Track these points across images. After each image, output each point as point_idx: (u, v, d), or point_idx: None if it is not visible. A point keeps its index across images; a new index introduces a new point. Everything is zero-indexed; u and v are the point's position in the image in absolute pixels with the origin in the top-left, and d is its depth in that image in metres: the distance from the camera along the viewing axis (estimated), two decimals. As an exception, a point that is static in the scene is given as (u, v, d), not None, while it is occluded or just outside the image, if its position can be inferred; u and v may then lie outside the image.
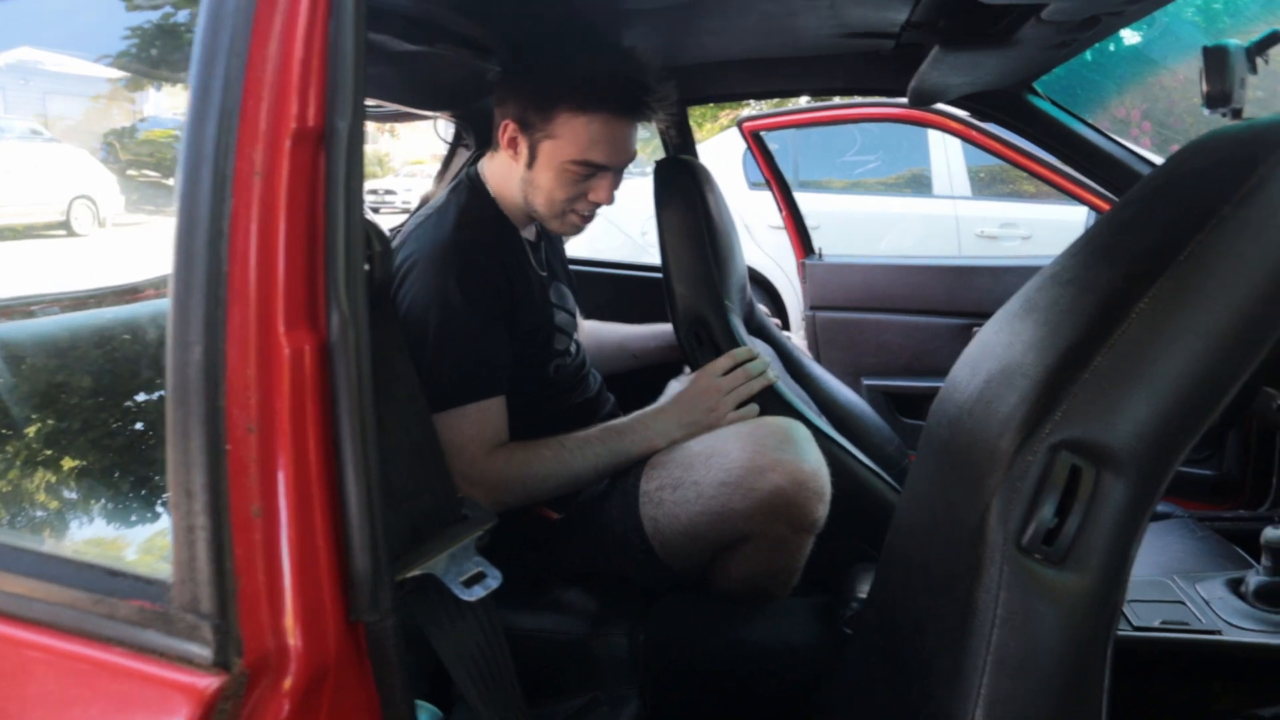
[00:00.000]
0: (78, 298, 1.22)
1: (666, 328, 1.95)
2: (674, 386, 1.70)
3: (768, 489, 1.43)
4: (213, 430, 0.56)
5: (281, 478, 0.58)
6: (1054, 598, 0.76)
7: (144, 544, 0.67)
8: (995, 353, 0.95)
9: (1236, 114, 1.27)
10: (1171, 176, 0.89)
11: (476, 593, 0.67)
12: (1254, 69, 1.28)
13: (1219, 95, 1.24)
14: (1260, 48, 1.30)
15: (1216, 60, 1.24)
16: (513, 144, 1.59)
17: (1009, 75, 1.78)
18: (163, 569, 0.57)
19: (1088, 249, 0.93)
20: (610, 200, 1.61)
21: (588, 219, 1.65)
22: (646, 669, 1.49)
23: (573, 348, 1.79)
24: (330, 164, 0.62)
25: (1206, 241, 0.74)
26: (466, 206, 1.64)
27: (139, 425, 0.71)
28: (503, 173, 1.65)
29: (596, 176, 1.58)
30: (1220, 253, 0.74)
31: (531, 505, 1.59)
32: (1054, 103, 1.96)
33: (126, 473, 0.72)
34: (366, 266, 0.64)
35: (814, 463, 1.47)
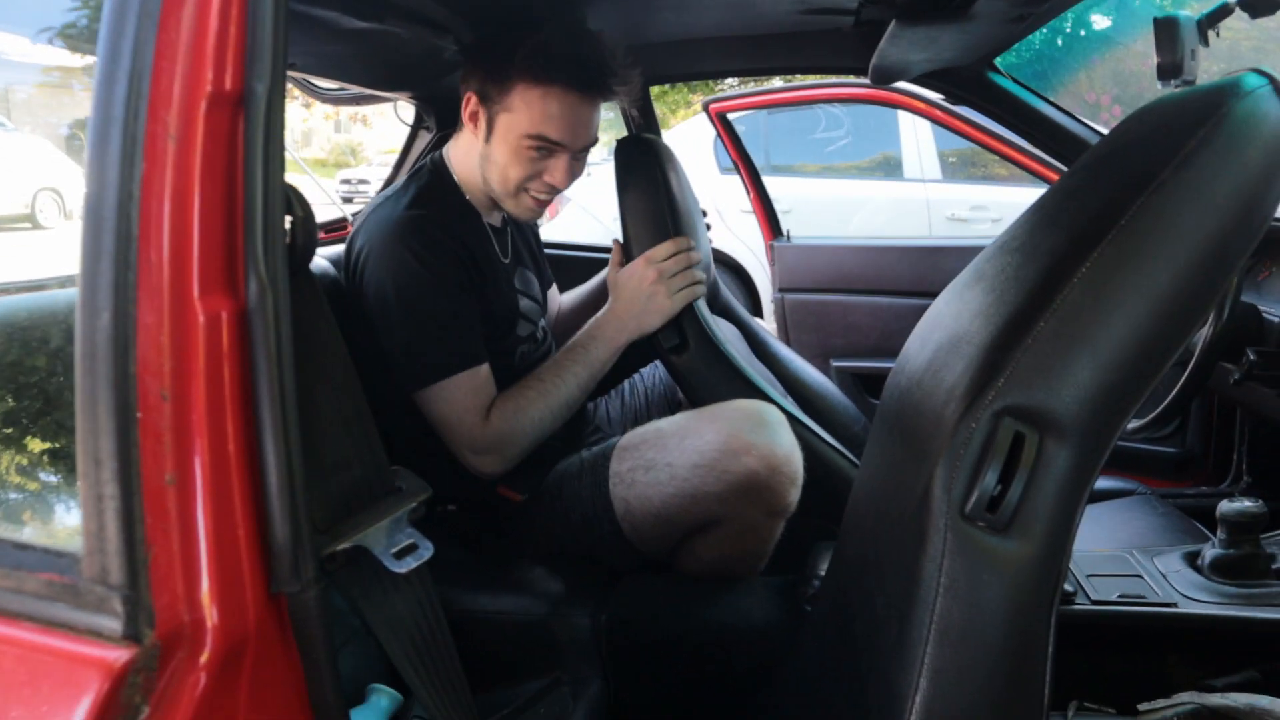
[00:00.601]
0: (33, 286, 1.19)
1: (600, 275, 1.95)
2: (609, 274, 1.70)
3: (742, 472, 1.43)
4: (122, 396, 0.55)
5: (198, 445, 0.56)
6: (997, 566, 0.76)
7: (57, 517, 0.65)
8: (944, 323, 0.94)
9: (1188, 85, 1.27)
10: (1116, 143, 0.89)
11: (408, 564, 0.66)
12: (1205, 41, 1.28)
13: (1170, 67, 1.24)
14: (1212, 20, 1.30)
15: (1167, 31, 1.23)
16: (474, 118, 1.57)
17: (969, 51, 1.78)
18: (73, 541, 0.55)
19: (1036, 217, 0.92)
20: (565, 184, 1.58)
21: (543, 203, 1.62)
22: (609, 649, 1.48)
23: (539, 334, 1.78)
24: (249, 127, 0.60)
25: (1147, 205, 0.74)
26: (426, 187, 1.63)
27: (53, 398, 0.69)
28: (465, 151, 1.63)
29: (552, 157, 1.55)
30: (1160, 216, 0.73)
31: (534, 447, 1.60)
32: (1015, 80, 1.96)
33: (43, 446, 0.71)
34: (288, 234, 0.63)
35: (788, 447, 1.47)
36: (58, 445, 0.67)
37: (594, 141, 1.60)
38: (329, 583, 0.63)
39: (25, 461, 0.71)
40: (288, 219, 0.63)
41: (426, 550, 0.67)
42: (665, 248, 1.63)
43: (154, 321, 0.56)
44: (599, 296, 1.97)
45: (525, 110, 1.51)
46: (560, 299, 2.06)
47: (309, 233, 0.64)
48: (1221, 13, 1.31)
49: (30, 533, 0.65)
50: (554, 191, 1.60)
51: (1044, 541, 0.75)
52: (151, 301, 0.56)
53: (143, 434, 0.55)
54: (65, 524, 0.61)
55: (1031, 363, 0.75)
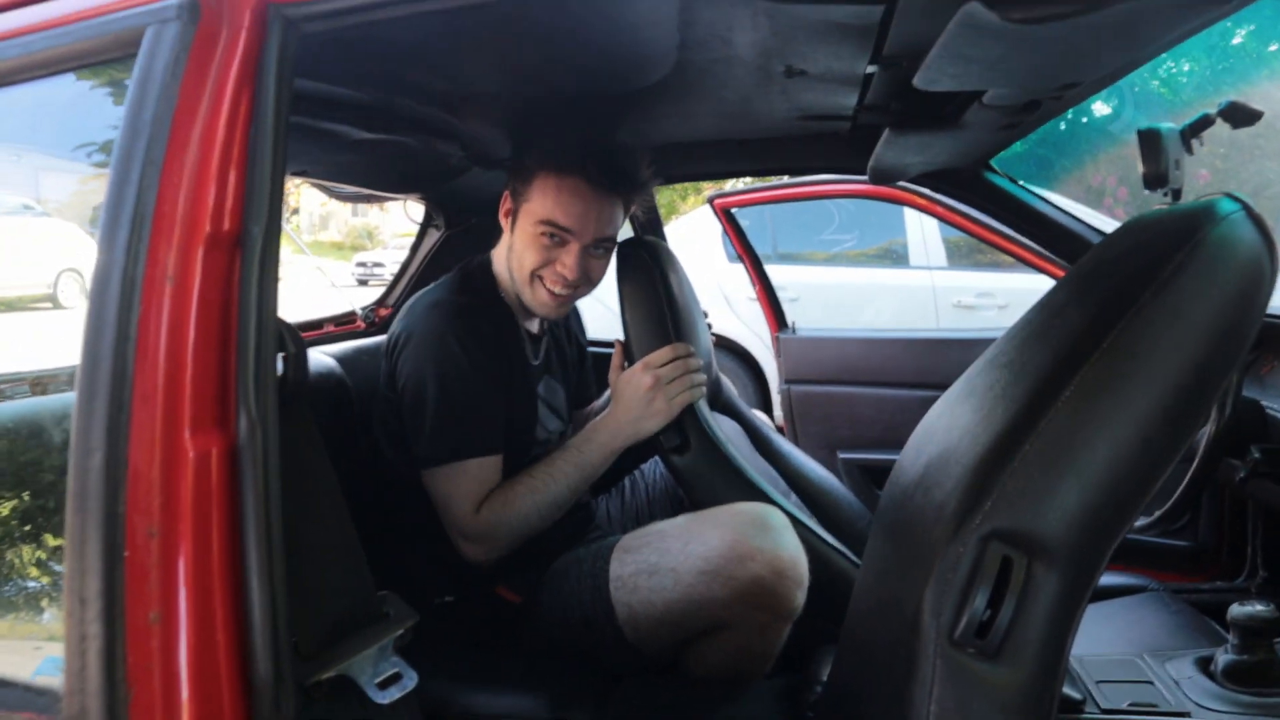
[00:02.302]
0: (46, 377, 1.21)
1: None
2: (610, 376, 1.73)
3: (748, 578, 1.42)
4: (110, 536, 0.56)
5: (183, 583, 0.57)
6: (988, 693, 0.75)
7: (41, 653, 0.65)
8: (936, 437, 0.95)
9: (1176, 195, 1.29)
10: (1100, 261, 0.91)
11: (391, 695, 0.66)
12: (1189, 150, 1.31)
13: (1155, 177, 1.27)
14: (1194, 130, 1.33)
15: (1150, 143, 1.26)
16: (507, 215, 1.67)
17: (963, 155, 1.82)
18: (55, 679, 0.56)
19: (1024, 332, 0.94)
20: (574, 274, 1.61)
21: (559, 297, 1.64)
22: None
23: (555, 442, 1.79)
24: (244, 268, 0.63)
25: (1128, 328, 0.75)
26: (470, 281, 1.71)
27: (45, 530, 0.70)
28: (500, 252, 1.71)
29: (564, 246, 1.60)
30: (1141, 339, 0.74)
31: (522, 541, 1.60)
32: (1011, 179, 2.00)
33: (32, 579, 0.72)
34: (280, 369, 0.65)
35: (793, 550, 1.47)
36: (47, 580, 0.68)
37: (609, 238, 1.65)
38: (312, 716, 0.63)
39: (12, 596, 0.71)
40: (280, 356, 0.64)
41: (411, 680, 0.67)
42: (663, 354, 1.65)
43: (145, 460, 0.57)
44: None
45: (540, 199, 1.59)
46: (592, 409, 2.08)
47: (300, 368, 0.65)
48: (1202, 124, 1.35)
49: (11, 670, 0.65)
50: (567, 284, 1.62)
51: (1035, 666, 0.74)
52: (143, 440, 0.58)
53: (129, 572, 0.56)
54: (47, 661, 0.62)
55: (1017, 486, 0.75)
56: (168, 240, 0.62)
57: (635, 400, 1.64)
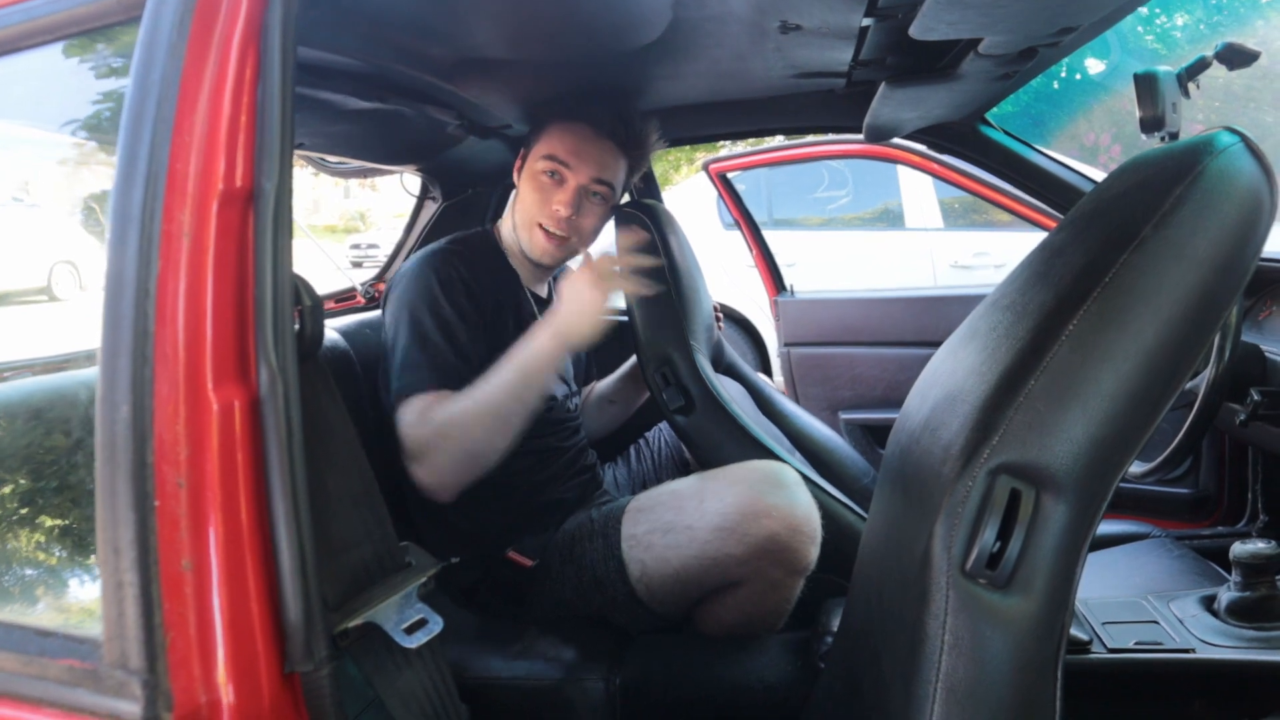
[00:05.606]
0: (50, 363, 1.22)
1: (629, 360, 1.97)
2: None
3: (762, 535, 1.44)
4: (140, 486, 0.57)
5: (213, 531, 0.58)
6: (1000, 622, 0.76)
7: (78, 603, 0.67)
8: (941, 380, 0.96)
9: (1173, 137, 1.30)
10: (1100, 200, 0.91)
11: (418, 639, 0.67)
12: (1186, 93, 1.31)
13: (1152, 120, 1.27)
14: (1191, 73, 1.34)
15: (1147, 87, 1.27)
16: (517, 170, 1.71)
17: (959, 108, 1.82)
18: (94, 627, 0.57)
19: (1025, 273, 0.94)
20: (568, 208, 1.62)
21: (554, 238, 1.65)
22: (623, 713, 1.47)
23: (569, 405, 1.79)
24: (258, 223, 0.63)
25: (1129, 263, 0.76)
26: (468, 240, 1.73)
27: (76, 486, 0.72)
28: (508, 212, 1.74)
29: (562, 186, 1.63)
30: (1142, 273, 0.75)
31: (471, 463, 1.48)
32: (1006, 133, 2.00)
33: (64, 532, 0.73)
34: (296, 322, 0.65)
35: (806, 506, 1.49)
36: (78, 533, 0.69)
37: (606, 184, 1.67)
38: (342, 659, 0.65)
39: (47, 549, 0.73)
40: (296, 309, 0.65)
41: (436, 625, 0.68)
42: (608, 256, 1.55)
43: (170, 413, 0.58)
44: (626, 385, 2.02)
45: (546, 141, 1.65)
46: (594, 387, 2.09)
47: (317, 321, 0.66)
48: (1199, 66, 1.35)
49: (51, 620, 0.67)
50: (561, 224, 1.63)
51: (1045, 596, 0.76)
52: (168, 393, 0.59)
53: (160, 521, 0.57)
54: (86, 610, 0.63)
55: (1024, 420, 0.76)
56: (182, 197, 0.62)
57: (572, 296, 1.50)
